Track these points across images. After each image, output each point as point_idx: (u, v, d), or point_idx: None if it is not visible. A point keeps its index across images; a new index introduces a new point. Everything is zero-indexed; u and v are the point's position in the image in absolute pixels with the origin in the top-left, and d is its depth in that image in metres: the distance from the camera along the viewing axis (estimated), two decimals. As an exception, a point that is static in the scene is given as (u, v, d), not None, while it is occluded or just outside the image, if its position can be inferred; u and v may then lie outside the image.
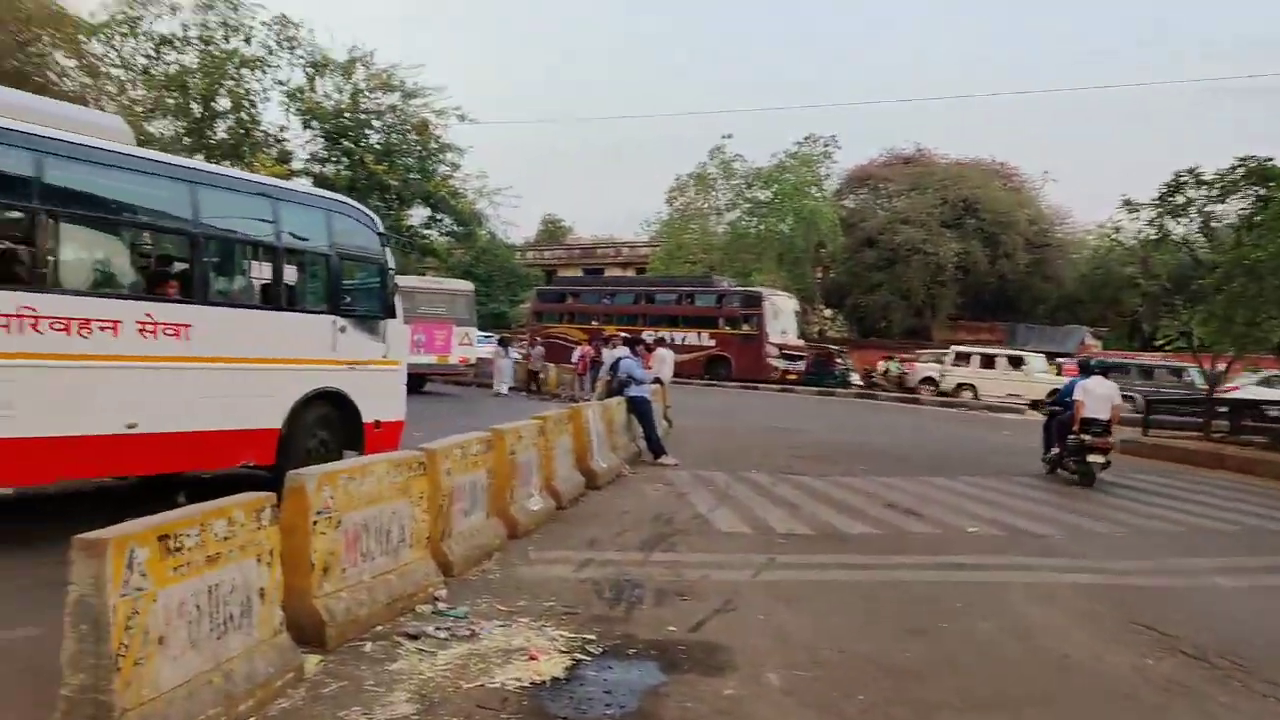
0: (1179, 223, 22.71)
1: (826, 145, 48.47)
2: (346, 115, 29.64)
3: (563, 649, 5.51)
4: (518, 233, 54.01)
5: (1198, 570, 8.68)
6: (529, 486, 9.05)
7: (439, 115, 30.60)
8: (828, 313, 53.40)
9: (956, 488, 12.91)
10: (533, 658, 5.31)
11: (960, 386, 33.05)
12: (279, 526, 5.06)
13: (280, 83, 29.56)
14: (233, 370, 9.23)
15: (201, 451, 9.07)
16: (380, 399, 10.92)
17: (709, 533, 9.23)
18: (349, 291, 11.03)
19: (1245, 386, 26.81)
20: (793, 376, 36.18)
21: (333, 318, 10.39)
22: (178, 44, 27.96)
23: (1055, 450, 14.46)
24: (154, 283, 9.22)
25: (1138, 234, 24.72)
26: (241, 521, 4.72)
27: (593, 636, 5.77)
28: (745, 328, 36.95)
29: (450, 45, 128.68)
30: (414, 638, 5.61)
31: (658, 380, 15.52)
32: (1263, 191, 19.53)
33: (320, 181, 27.55)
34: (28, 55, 20.56)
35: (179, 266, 9.55)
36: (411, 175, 29.27)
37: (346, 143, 29.07)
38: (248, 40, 28.51)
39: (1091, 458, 13.46)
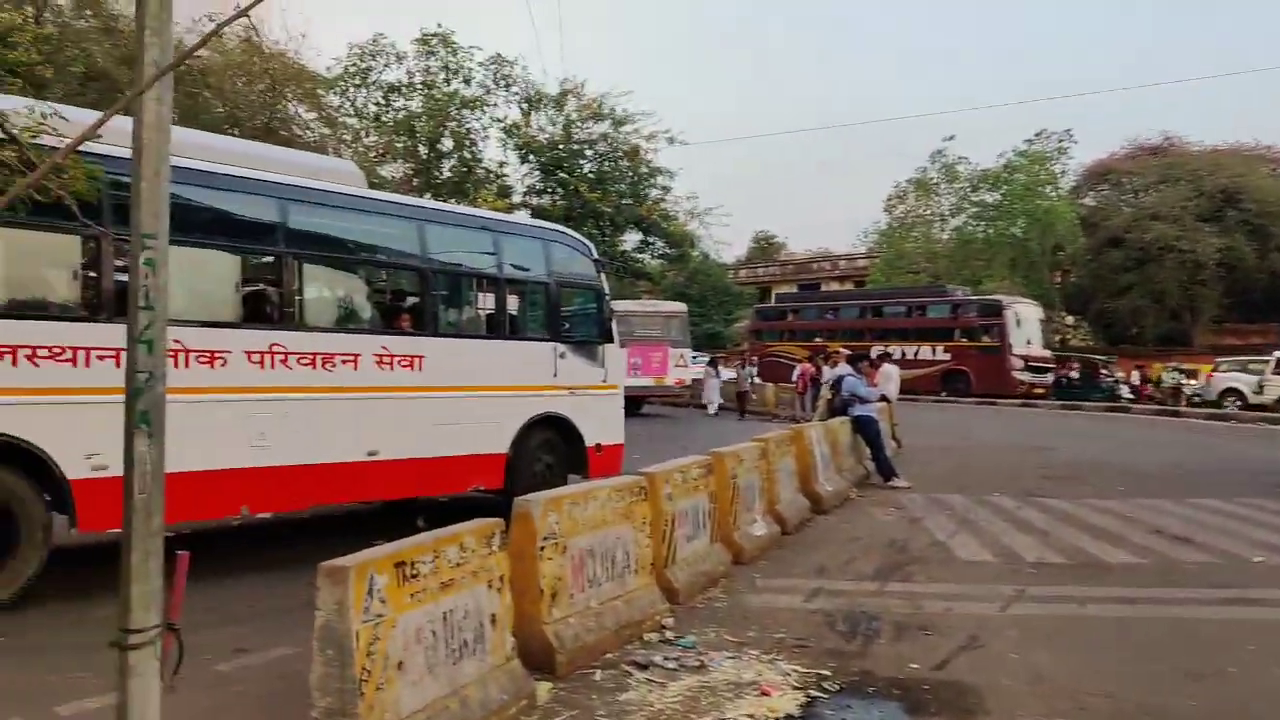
0: None
1: (1061, 141, 45.66)
2: (560, 147, 30.62)
3: (796, 684, 5.24)
4: (729, 251, 54.10)
5: None
6: (752, 511, 8.82)
7: (649, 140, 31.09)
8: (1069, 320, 49.99)
9: (1234, 511, 11.48)
10: (765, 693, 5.07)
11: None
12: (508, 552, 5.10)
13: (498, 120, 30.95)
14: (462, 398, 9.57)
15: (436, 477, 9.43)
16: (601, 422, 11.05)
17: (949, 561, 8.63)
18: (568, 318, 11.27)
19: None
20: (1040, 391, 33.79)
21: (553, 344, 10.62)
22: (404, 91, 29.83)
23: None
24: (389, 317, 9.72)
25: None
26: (472, 548, 4.77)
27: (828, 672, 5.46)
28: (985, 339, 34.81)
29: (659, 68, 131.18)
30: (643, 667, 5.49)
31: (884, 398, 14.88)
32: None
33: (537, 213, 28.54)
34: (274, 112, 22.42)
35: (411, 301, 10.03)
36: (624, 201, 29.82)
37: (561, 174, 30.00)
38: (467, 81, 30.04)
39: None
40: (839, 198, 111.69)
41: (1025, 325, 34.92)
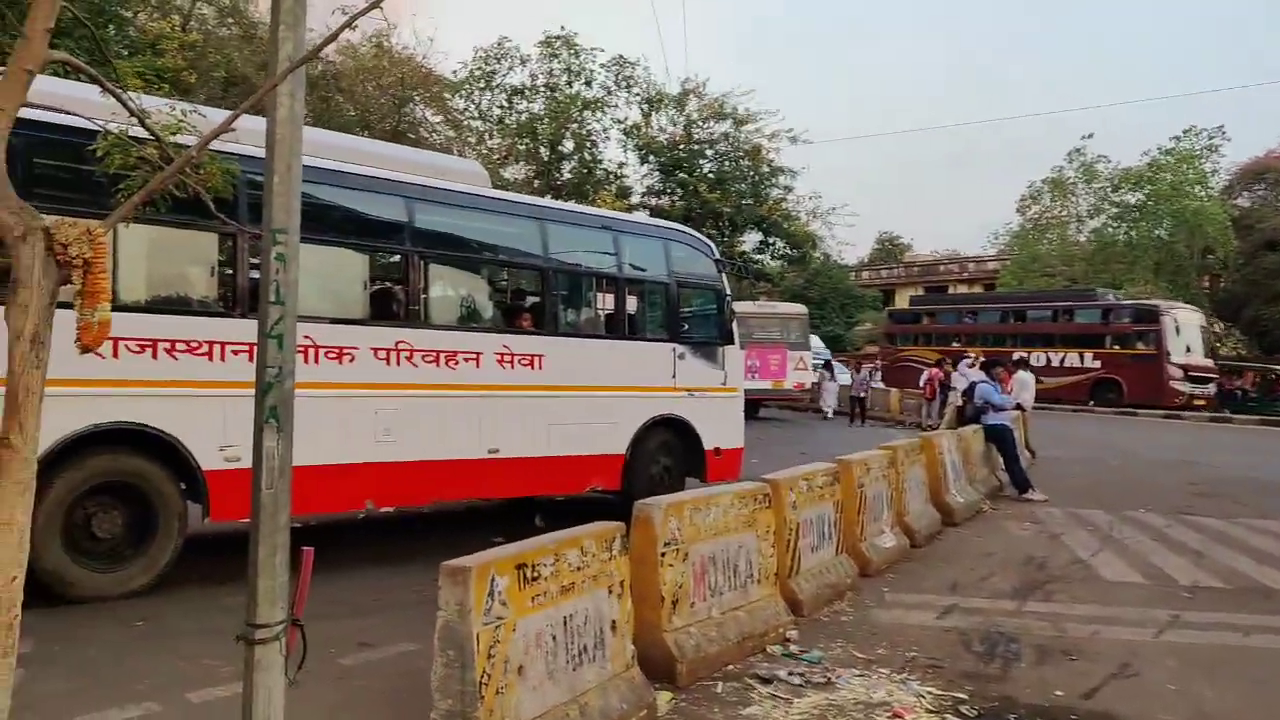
0: None
1: (1212, 138, 43.18)
2: (681, 147, 30.53)
3: (931, 708, 4.96)
4: (852, 252, 53.13)
5: None
6: (879, 522, 8.50)
7: (771, 139, 30.73)
8: (1219, 327, 47.23)
9: None
10: (897, 715, 4.81)
11: None
12: (629, 557, 4.98)
13: (618, 121, 31.06)
14: (581, 398, 9.53)
15: (555, 476, 9.41)
16: (720, 426, 10.86)
17: (1093, 581, 8.12)
18: (687, 319, 11.13)
19: None
20: (1201, 402, 31.73)
21: (672, 345, 10.50)
22: (527, 94, 30.22)
23: None
24: (510, 316, 9.75)
25: None
26: (593, 551, 4.67)
27: (964, 696, 5.15)
28: (1139, 346, 32.83)
29: (785, 66, 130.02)
30: (766, 681, 5.30)
31: (1018, 406, 14.24)
32: None
33: (656, 213, 28.52)
34: (402, 115, 22.99)
35: (532, 300, 10.05)
36: (744, 201, 29.54)
37: (681, 174, 29.90)
38: (589, 83, 30.24)
39: None
40: (968, 199, 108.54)
41: (1185, 332, 32.72)
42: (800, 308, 29.93)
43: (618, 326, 10.26)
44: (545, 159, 29.74)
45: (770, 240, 31.47)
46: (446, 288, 9.50)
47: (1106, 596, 7.56)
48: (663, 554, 5.30)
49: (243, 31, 20.82)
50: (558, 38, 29.66)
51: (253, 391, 3.59)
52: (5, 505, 2.59)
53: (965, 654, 5.98)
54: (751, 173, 30.57)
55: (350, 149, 8.75)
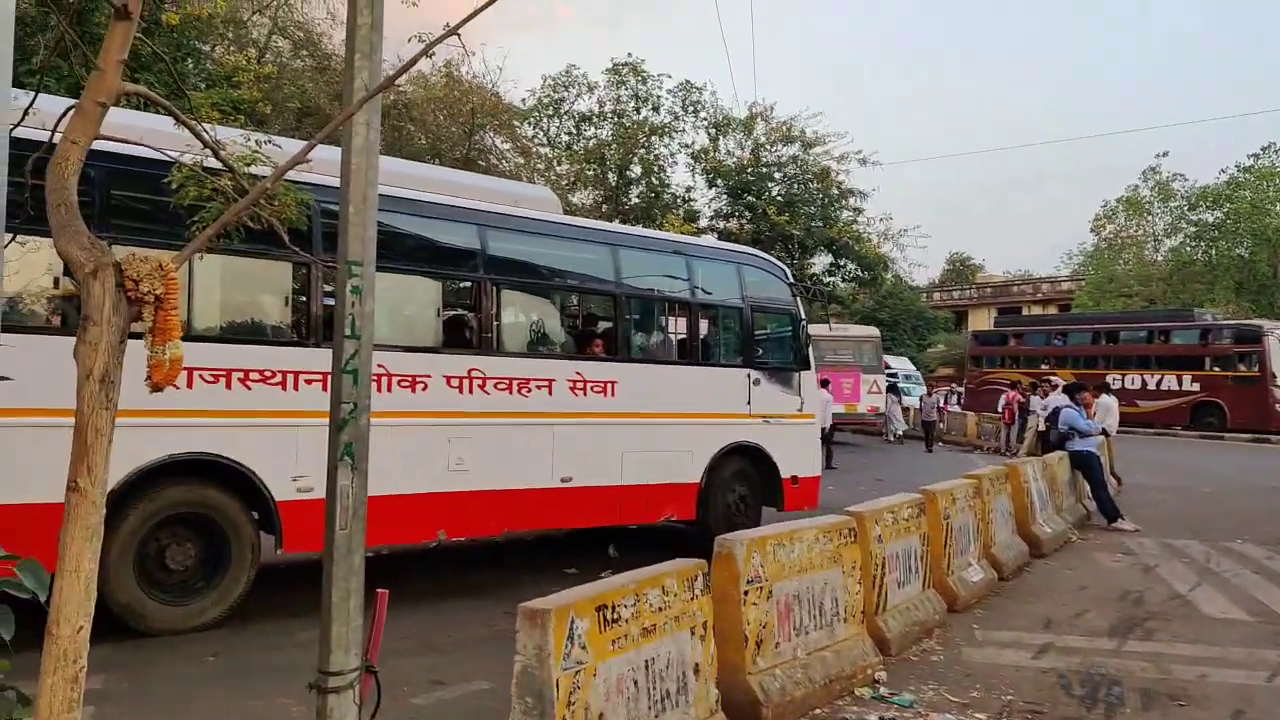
0: None
1: (1292, 154, 41.78)
2: (748, 170, 30.32)
3: (1035, 760, 4.64)
4: (923, 274, 52.28)
5: None
6: (966, 554, 8.14)
7: (840, 161, 30.37)
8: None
9: None
10: (1000, 769, 4.51)
11: None
12: (710, 596, 4.77)
13: (685, 146, 30.98)
14: (655, 425, 9.36)
15: (628, 505, 9.22)
16: (796, 453, 10.59)
17: (1194, 618, 7.65)
18: (762, 344, 10.90)
19: None
20: None
21: (747, 371, 10.29)
22: (595, 120, 30.32)
23: None
24: (582, 342, 9.62)
25: None
26: (675, 591, 4.47)
27: (1069, 746, 4.83)
28: (1241, 368, 31.36)
29: (855, 90, 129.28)
30: (856, 728, 5.03)
31: (1103, 432, 13.68)
32: None
33: (725, 236, 28.33)
34: (472, 143, 23.18)
35: (604, 325, 9.91)
36: (814, 223, 29.17)
37: (749, 197, 29.66)
38: (656, 109, 30.22)
39: None
40: (1040, 219, 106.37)
41: None
42: (873, 330, 29.43)
43: (691, 352, 10.08)
44: (613, 184, 29.77)
45: (841, 262, 31.04)
46: (519, 314, 9.42)
47: (1211, 635, 7.10)
48: (745, 592, 5.08)
49: (316, 63, 21.21)
50: (625, 65, 29.73)
51: (325, 421, 3.48)
52: (72, 552, 2.48)
53: (1065, 698, 5.62)
54: (821, 195, 30.23)
55: (423, 177, 8.73)
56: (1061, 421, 12.69)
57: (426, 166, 11.16)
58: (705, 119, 30.86)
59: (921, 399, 29.33)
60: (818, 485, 10.95)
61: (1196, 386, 32.25)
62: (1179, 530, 11.99)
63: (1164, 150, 62.30)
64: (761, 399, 10.31)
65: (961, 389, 38.67)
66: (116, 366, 2.55)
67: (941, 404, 30.33)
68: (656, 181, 30.14)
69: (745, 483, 10.25)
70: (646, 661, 4.19)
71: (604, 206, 29.40)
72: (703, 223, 30.95)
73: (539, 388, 8.57)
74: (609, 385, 9.08)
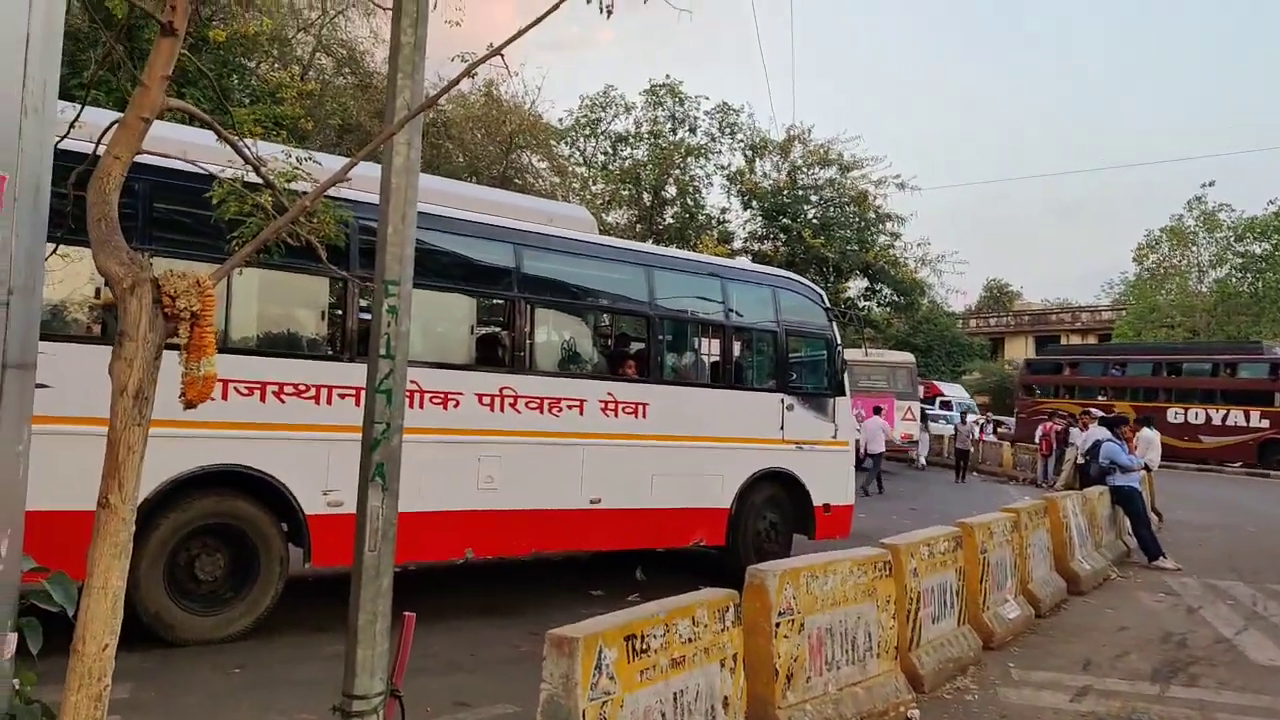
0: None
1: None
2: (784, 193, 30.19)
3: (1075, 810, 4.49)
4: (959, 299, 51.74)
5: None
6: (1003, 590, 7.98)
7: (877, 185, 30.13)
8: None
9: None
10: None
11: None
12: (741, 627, 4.68)
13: (721, 167, 30.91)
14: (686, 448, 9.28)
15: (657, 528, 9.14)
16: (829, 481, 10.45)
17: (1241, 664, 7.40)
18: (796, 369, 10.79)
19: None
20: None
21: (780, 396, 10.18)
22: (631, 141, 30.34)
23: None
24: (614, 363, 9.56)
25: None
26: (705, 622, 4.39)
27: (1111, 797, 4.67)
28: None
29: (897, 113, 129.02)
30: (887, 768, 4.90)
31: (1145, 467, 13.41)
32: None
33: (759, 258, 28.18)
34: (509, 161, 23.27)
35: (636, 347, 9.86)
36: (849, 247, 28.92)
37: (784, 219, 29.51)
38: (692, 130, 30.21)
39: None
40: (1079, 246, 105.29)
41: None
42: (908, 356, 29.17)
43: (724, 375, 9.99)
44: (648, 204, 29.78)
45: (876, 287, 30.77)
46: (552, 333, 9.39)
47: (1258, 683, 6.87)
48: (777, 624, 4.99)
49: (359, 81, 21.40)
50: (663, 86, 29.76)
51: (357, 436, 3.45)
52: (100, 568, 2.46)
53: (1106, 746, 5.46)
54: (857, 219, 30.02)
55: (459, 194, 8.74)
56: (1102, 455, 12.43)
57: (463, 184, 11.18)
58: (742, 141, 30.80)
59: (956, 427, 28.87)
60: (850, 514, 10.80)
61: (1265, 423, 31.25)
62: (1222, 570, 11.70)
63: (1210, 180, 61.42)
64: (795, 424, 10.20)
65: (997, 418, 38.05)
66: (151, 383, 2.53)
67: (977, 433, 29.88)
68: (691, 202, 30.08)
69: (776, 509, 10.13)
70: (675, 694, 4.12)
71: (638, 226, 29.39)
72: (737, 244, 30.82)
73: (570, 407, 8.53)
74: (641, 407, 9.02)
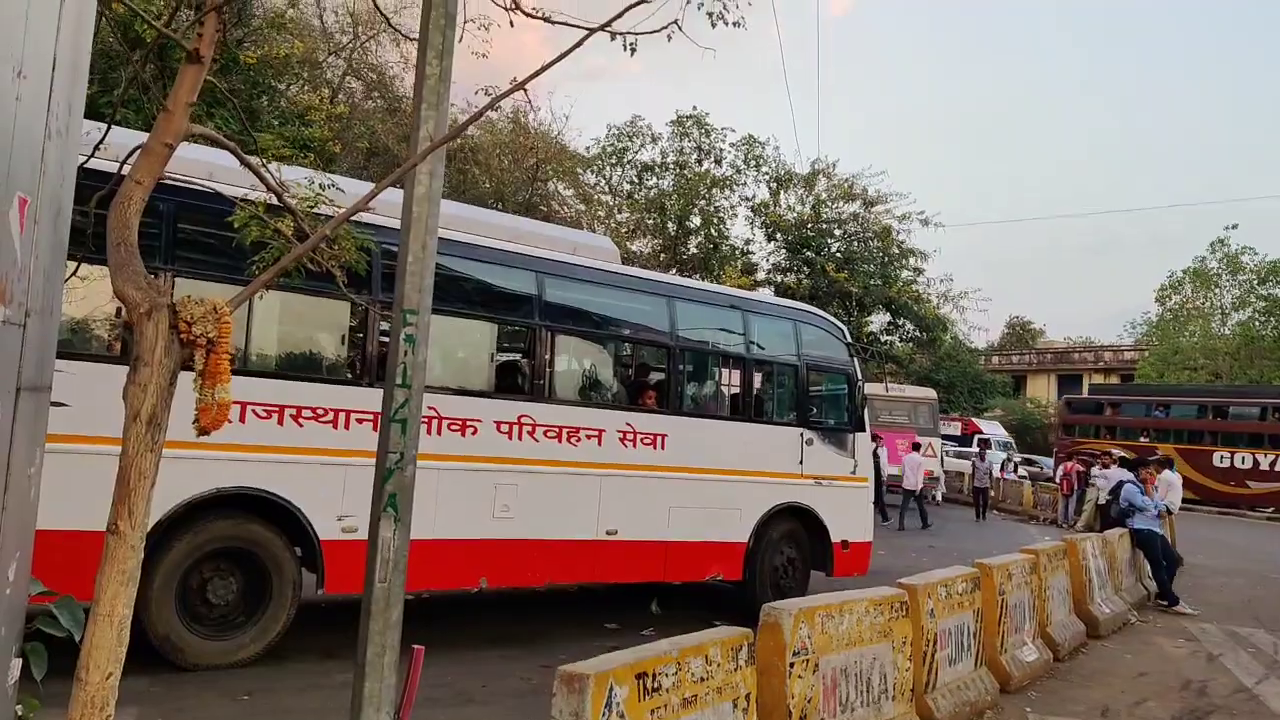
0: None
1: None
2: (809, 226, 30.20)
3: None
4: (982, 336, 51.43)
5: None
6: (1021, 633, 7.85)
7: (901, 220, 30.10)
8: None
9: None
10: None
11: None
12: (755, 667, 4.60)
13: (746, 199, 30.96)
14: (704, 481, 9.21)
15: (673, 562, 9.05)
16: (848, 517, 10.35)
17: (1262, 715, 7.24)
18: (816, 403, 10.73)
19: None
20: None
21: (800, 430, 10.11)
22: (657, 170, 30.45)
23: None
24: (634, 393, 9.52)
25: None
26: (718, 661, 4.32)
27: None
28: None
29: (922, 151, 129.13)
30: (901, 816, 4.79)
31: (1166, 510, 13.22)
32: None
33: (782, 291, 28.14)
34: (535, 189, 23.41)
35: (656, 377, 9.82)
36: (872, 282, 28.86)
37: (808, 253, 29.50)
38: (718, 162, 30.29)
39: None
40: (1102, 285, 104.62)
41: None
42: (929, 392, 28.96)
43: (744, 408, 9.93)
44: (672, 234, 29.81)
45: (899, 322, 30.65)
46: (571, 362, 9.37)
47: (1281, 736, 6.73)
48: (791, 664, 4.90)
49: (387, 105, 21.63)
50: (689, 117, 29.90)
51: (374, 461, 3.42)
52: (107, 595, 2.44)
53: (1127, 799, 5.33)
54: (880, 254, 29.98)
55: (483, 221, 8.75)
56: (1122, 497, 12.28)
57: (487, 211, 11.23)
58: (767, 173, 30.86)
59: (974, 464, 28.52)
60: (869, 551, 10.69)
61: None
62: (1242, 617, 11.52)
63: (1233, 223, 61.01)
64: (814, 459, 10.12)
65: (1029, 456, 37.49)
66: (165, 409, 2.52)
67: (998, 471, 29.53)
68: (715, 233, 30.11)
69: (794, 545, 10.03)
70: (685, 734, 4.04)
71: (662, 255, 29.44)
72: (760, 276, 30.80)
73: (589, 437, 8.49)
74: (659, 438, 8.96)
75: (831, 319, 11.50)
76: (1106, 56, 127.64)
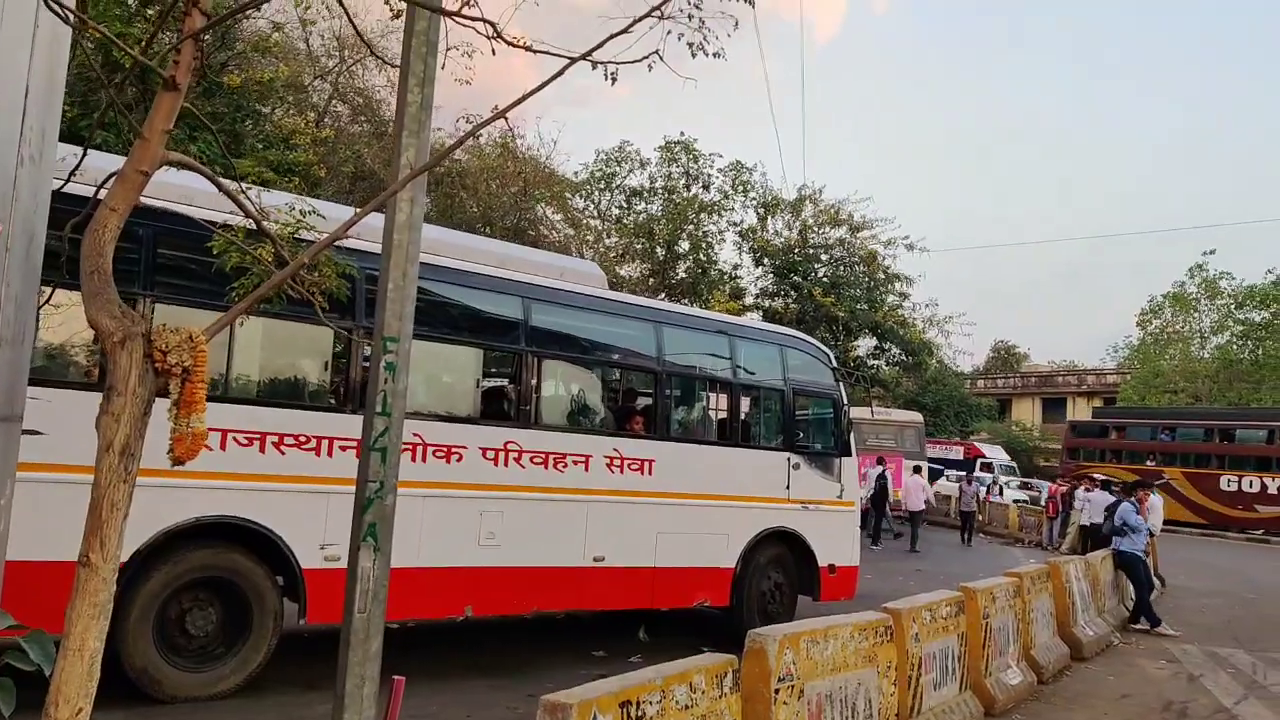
0: None
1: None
2: (795, 251, 30.36)
3: None
4: (968, 360, 51.71)
5: None
6: (1005, 656, 7.83)
7: (887, 245, 30.31)
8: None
9: None
10: None
11: None
12: (739, 694, 4.57)
13: (734, 224, 31.11)
14: (691, 507, 9.18)
15: (661, 588, 9.01)
16: (835, 541, 10.34)
17: (1244, 736, 7.28)
18: (803, 428, 10.73)
19: None
20: None
21: (787, 455, 10.10)
22: (646, 195, 30.56)
23: None
24: (621, 419, 9.50)
25: None
26: (703, 688, 4.28)
27: None
28: None
29: (906, 174, 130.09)
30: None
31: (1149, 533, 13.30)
32: None
33: (769, 315, 28.26)
34: (522, 213, 23.43)
35: (643, 403, 9.80)
36: (859, 306, 29.00)
37: (795, 277, 29.64)
38: (706, 187, 30.43)
39: None
40: (1088, 310, 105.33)
41: None
42: (916, 416, 29.06)
43: (731, 433, 9.92)
44: (661, 258, 29.89)
45: (885, 346, 30.79)
46: (558, 388, 9.34)
47: (1264, 758, 6.72)
48: (776, 690, 4.87)
49: (373, 128, 21.67)
50: (677, 143, 30.05)
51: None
52: (78, 629, 2.40)
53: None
54: (866, 279, 30.16)
55: (469, 247, 8.75)
56: (1118, 516, 12.35)
57: (473, 236, 11.20)
58: (754, 198, 31.03)
59: (960, 487, 28.51)
60: (856, 575, 10.66)
61: None
62: (1222, 638, 11.57)
63: (1211, 248, 61.72)
64: (801, 484, 10.10)
65: (1026, 480, 37.49)
66: (138, 439, 2.49)
67: (984, 494, 29.54)
68: (704, 258, 30.21)
69: (781, 570, 10.00)
70: (669, 764, 4.00)
71: (651, 280, 29.50)
72: (748, 300, 30.90)
73: (575, 463, 8.45)
74: (646, 464, 8.94)
75: (817, 344, 11.52)
76: (1089, 84, 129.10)
